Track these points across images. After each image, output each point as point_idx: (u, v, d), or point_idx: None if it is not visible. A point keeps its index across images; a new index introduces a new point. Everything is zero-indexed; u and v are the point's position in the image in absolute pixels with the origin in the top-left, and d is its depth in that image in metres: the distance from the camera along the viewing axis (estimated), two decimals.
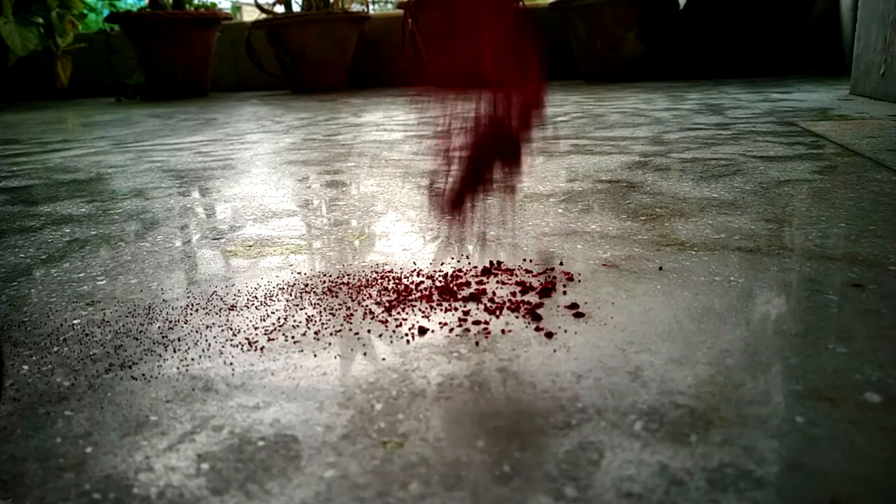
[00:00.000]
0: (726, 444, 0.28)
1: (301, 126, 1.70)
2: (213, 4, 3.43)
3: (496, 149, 0.40)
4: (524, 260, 0.53)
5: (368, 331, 0.41)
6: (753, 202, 0.69)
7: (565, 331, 0.40)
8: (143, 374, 0.37)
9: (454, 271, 0.51)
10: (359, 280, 0.51)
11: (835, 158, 0.89)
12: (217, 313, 0.45)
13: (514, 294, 0.46)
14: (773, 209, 0.65)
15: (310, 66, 3.16)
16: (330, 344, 0.40)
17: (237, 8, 4.24)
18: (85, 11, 3.19)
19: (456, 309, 0.44)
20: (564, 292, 0.46)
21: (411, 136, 1.37)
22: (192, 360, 0.38)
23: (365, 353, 0.38)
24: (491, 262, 0.52)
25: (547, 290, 0.46)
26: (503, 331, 0.40)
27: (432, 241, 0.61)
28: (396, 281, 0.50)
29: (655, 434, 0.29)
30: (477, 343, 0.39)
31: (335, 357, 0.38)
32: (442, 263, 0.53)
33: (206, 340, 0.41)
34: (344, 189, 0.87)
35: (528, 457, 0.28)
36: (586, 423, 0.30)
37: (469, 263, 0.53)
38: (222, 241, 0.64)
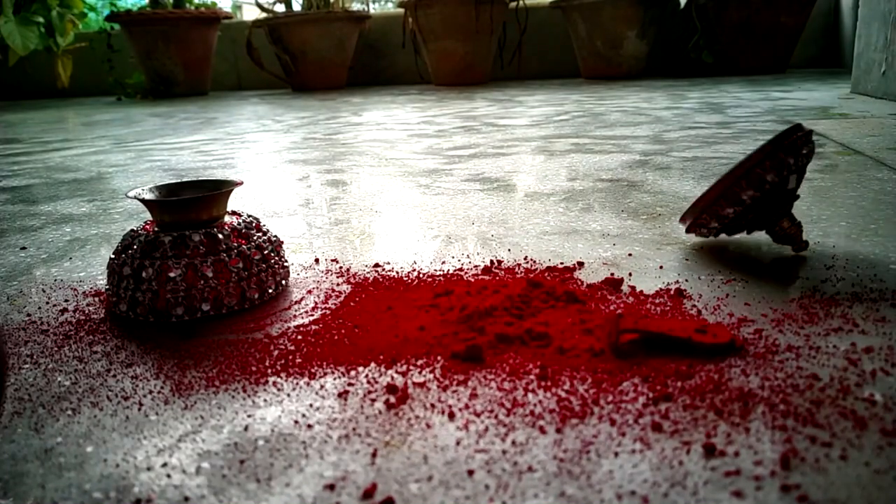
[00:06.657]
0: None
1: (301, 125, 1.70)
2: (214, 3, 3.42)
3: None
4: (525, 258, 0.53)
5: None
6: None
7: None
8: (144, 374, 0.37)
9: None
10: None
11: (835, 157, 0.89)
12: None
13: None
14: None
15: (310, 65, 3.16)
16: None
17: (237, 7, 4.23)
18: (85, 10, 3.18)
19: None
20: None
21: (412, 136, 1.37)
22: (192, 359, 0.38)
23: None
24: (492, 261, 0.52)
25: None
26: None
27: (433, 239, 0.61)
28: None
29: None
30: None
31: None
32: (443, 262, 0.53)
33: (206, 341, 0.41)
34: (344, 188, 0.87)
35: None
36: None
37: (470, 262, 0.53)
38: None
